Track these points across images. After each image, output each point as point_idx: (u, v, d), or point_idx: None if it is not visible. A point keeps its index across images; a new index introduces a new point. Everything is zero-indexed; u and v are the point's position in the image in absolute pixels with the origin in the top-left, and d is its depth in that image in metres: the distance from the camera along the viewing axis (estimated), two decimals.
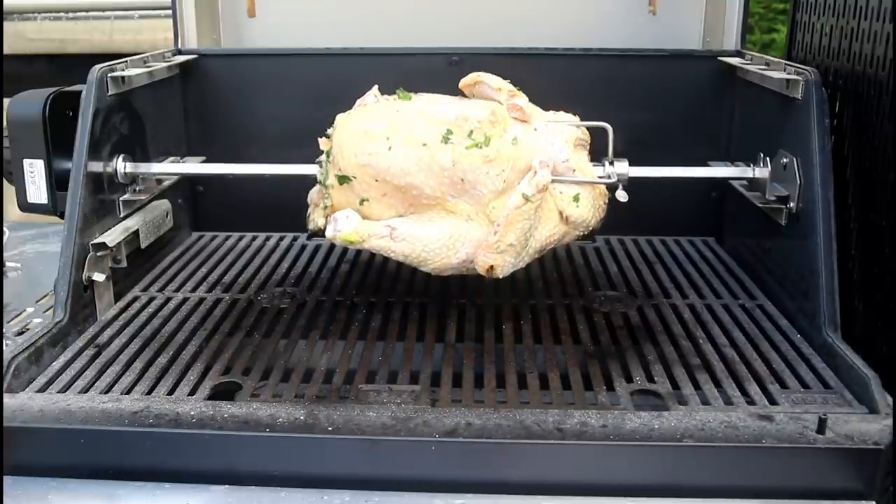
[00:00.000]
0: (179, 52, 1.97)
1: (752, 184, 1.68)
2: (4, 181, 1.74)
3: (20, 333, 1.55)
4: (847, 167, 1.59)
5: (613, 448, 1.12)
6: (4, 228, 2.15)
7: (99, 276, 1.50)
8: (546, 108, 1.52)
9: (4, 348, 1.44)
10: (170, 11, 2.00)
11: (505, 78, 1.52)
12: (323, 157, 1.49)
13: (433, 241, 1.40)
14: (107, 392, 1.27)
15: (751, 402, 1.24)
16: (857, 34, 1.59)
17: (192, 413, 1.18)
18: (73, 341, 1.42)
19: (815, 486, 1.11)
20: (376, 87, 1.55)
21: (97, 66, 1.55)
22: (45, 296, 1.73)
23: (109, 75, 1.58)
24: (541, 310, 1.59)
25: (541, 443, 1.12)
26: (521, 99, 1.47)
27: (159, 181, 1.77)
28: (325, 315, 1.57)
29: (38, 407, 1.19)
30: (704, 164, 1.75)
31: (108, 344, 1.42)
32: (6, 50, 2.84)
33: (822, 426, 1.13)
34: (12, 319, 1.63)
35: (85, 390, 1.27)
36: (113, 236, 1.54)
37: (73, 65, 2.62)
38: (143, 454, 1.14)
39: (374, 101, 1.52)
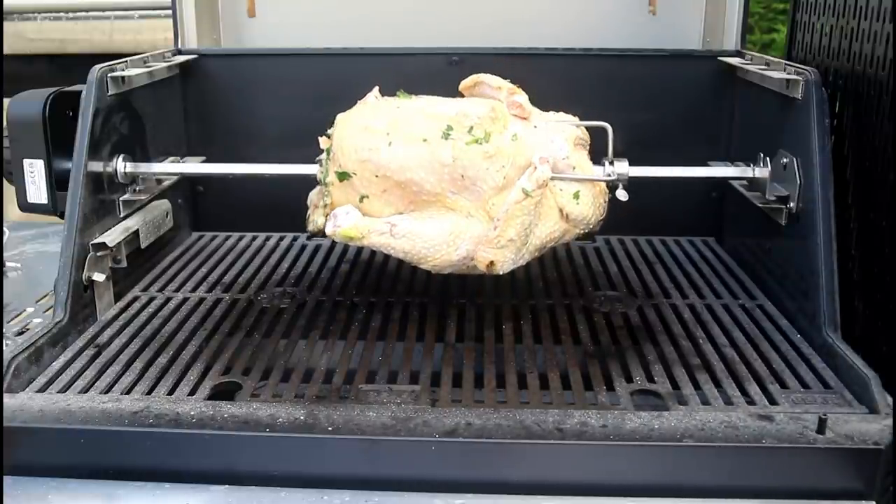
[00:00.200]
0: (179, 52, 1.97)
1: (752, 184, 1.68)
2: (4, 181, 1.74)
3: (20, 333, 1.55)
4: (847, 167, 1.59)
5: (613, 448, 1.12)
6: (4, 228, 2.15)
7: (99, 276, 1.50)
8: (546, 109, 1.52)
9: (4, 348, 1.44)
10: (170, 11, 2.00)
11: (505, 78, 1.52)
12: (323, 156, 1.49)
13: (433, 238, 1.39)
14: (107, 392, 1.27)
15: (751, 402, 1.24)
16: (857, 34, 1.59)
17: (192, 413, 1.18)
18: (73, 341, 1.42)
19: (815, 486, 1.11)
20: (377, 88, 1.55)
21: (97, 66, 1.55)
22: (45, 296, 1.73)
23: (109, 75, 1.58)
24: (541, 310, 1.59)
25: (541, 443, 1.12)
26: (521, 97, 1.47)
27: (159, 181, 1.77)
28: (325, 315, 1.57)
29: (38, 407, 1.19)
30: (704, 164, 1.74)
31: (108, 344, 1.42)
32: (6, 50, 2.85)
33: (822, 426, 1.13)
34: (12, 319, 1.63)
35: (85, 390, 1.27)
36: (113, 236, 1.54)
37: (73, 65, 2.62)
38: (143, 454, 1.14)
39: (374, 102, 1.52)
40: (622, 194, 1.48)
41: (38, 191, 1.61)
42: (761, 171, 1.62)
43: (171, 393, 1.27)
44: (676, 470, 1.12)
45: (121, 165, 1.62)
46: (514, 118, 1.44)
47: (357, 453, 1.13)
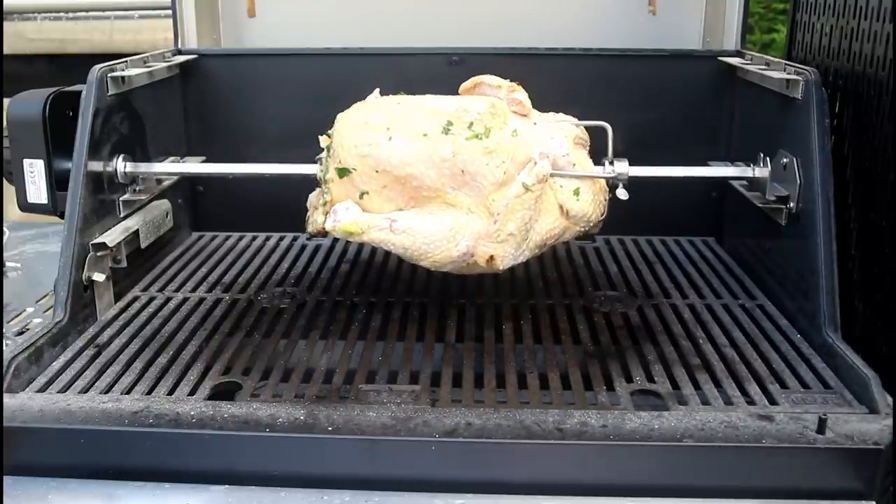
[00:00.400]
0: (179, 52, 1.97)
1: (752, 184, 1.68)
2: (4, 181, 1.74)
3: (20, 333, 1.55)
4: (847, 167, 1.59)
5: (613, 448, 1.12)
6: (4, 228, 2.15)
7: (99, 276, 1.50)
8: (546, 109, 1.52)
9: (4, 348, 1.44)
10: (170, 11, 2.00)
11: (505, 78, 1.52)
12: (323, 154, 1.49)
13: (433, 234, 1.39)
14: (107, 392, 1.27)
15: (751, 402, 1.24)
16: (857, 34, 1.59)
17: (192, 413, 1.18)
18: (73, 341, 1.42)
19: (815, 486, 1.11)
20: (377, 90, 1.55)
21: (97, 66, 1.55)
22: (45, 296, 1.73)
23: (109, 75, 1.58)
24: (541, 310, 1.59)
25: (541, 443, 1.12)
26: (521, 94, 1.47)
27: (159, 181, 1.77)
28: (325, 315, 1.57)
29: (38, 407, 1.19)
30: (704, 164, 1.75)
31: (108, 344, 1.42)
32: (6, 50, 2.84)
33: (822, 426, 1.13)
34: (12, 319, 1.63)
35: (85, 390, 1.27)
36: (113, 236, 1.54)
37: (73, 65, 2.62)
38: (143, 454, 1.14)
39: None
40: (622, 193, 1.48)
41: (38, 191, 1.61)
42: (761, 171, 1.62)
43: (171, 393, 1.27)
44: (676, 470, 1.12)
45: (121, 165, 1.62)
46: (513, 115, 1.45)
47: (357, 453, 1.13)
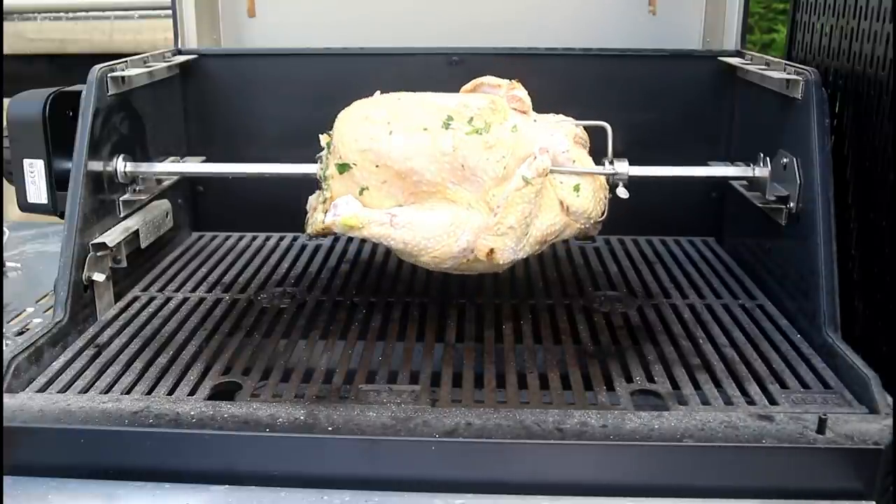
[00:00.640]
0: (179, 52, 1.97)
1: (752, 184, 1.68)
2: (4, 181, 1.74)
3: (20, 333, 1.55)
4: (847, 167, 1.59)
5: (613, 448, 1.12)
6: (4, 228, 2.15)
7: (99, 276, 1.50)
8: (545, 109, 1.52)
9: (4, 348, 1.44)
10: (170, 11, 2.00)
11: (504, 78, 1.52)
12: (323, 153, 1.49)
13: (434, 229, 1.39)
14: (107, 392, 1.27)
15: (751, 402, 1.24)
16: (857, 34, 1.59)
17: (192, 413, 1.18)
18: (73, 341, 1.42)
19: (815, 486, 1.11)
20: (378, 92, 1.55)
21: (97, 66, 1.55)
22: (45, 296, 1.73)
23: (109, 75, 1.58)
24: (541, 310, 1.59)
25: (541, 443, 1.12)
26: (521, 91, 1.48)
27: (159, 181, 1.77)
28: (325, 315, 1.57)
29: (38, 407, 1.19)
30: (704, 164, 1.75)
31: (108, 344, 1.42)
32: (6, 50, 2.84)
33: (822, 426, 1.13)
34: (12, 319, 1.63)
35: (85, 390, 1.27)
36: (113, 236, 1.54)
37: (73, 65, 2.62)
38: (143, 454, 1.14)
39: None
40: (622, 192, 1.48)
41: (38, 191, 1.61)
42: (761, 171, 1.62)
43: (171, 393, 1.27)
44: (676, 470, 1.12)
45: (121, 165, 1.62)
46: (513, 111, 1.45)
47: (357, 453, 1.13)
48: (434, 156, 1.37)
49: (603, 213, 1.49)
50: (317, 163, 1.51)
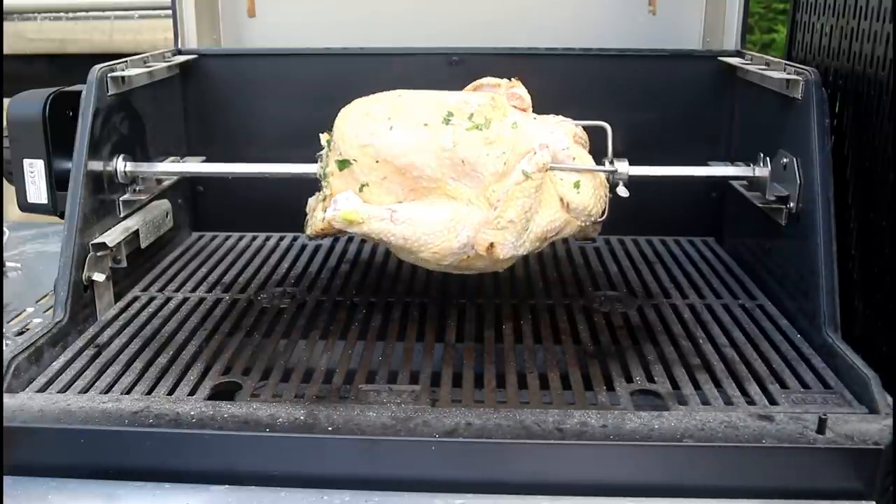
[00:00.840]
0: (179, 52, 1.97)
1: (752, 184, 1.68)
2: (4, 181, 1.74)
3: (20, 333, 1.55)
4: (847, 167, 1.59)
5: (613, 448, 1.12)
6: (4, 228, 2.15)
7: (99, 276, 1.50)
8: (545, 109, 1.52)
9: (4, 348, 1.44)
10: (170, 11, 2.00)
11: (505, 78, 1.52)
12: (323, 151, 1.49)
13: (434, 224, 1.38)
14: (107, 392, 1.27)
15: (751, 402, 1.24)
16: (857, 34, 1.59)
17: (192, 413, 1.18)
18: (73, 341, 1.42)
19: (815, 486, 1.11)
20: None
21: (97, 66, 1.55)
22: (45, 296, 1.73)
23: (109, 75, 1.58)
24: (541, 310, 1.59)
25: (541, 443, 1.12)
26: (521, 89, 1.48)
27: (159, 181, 1.77)
28: (325, 315, 1.57)
29: (38, 407, 1.19)
30: (704, 164, 1.75)
31: (108, 344, 1.42)
32: (6, 50, 2.85)
33: (822, 426, 1.13)
34: (12, 319, 1.63)
35: (85, 390, 1.27)
36: (113, 236, 1.54)
37: (73, 65, 2.62)
38: (143, 454, 1.14)
39: None
40: (623, 190, 1.48)
41: (38, 191, 1.61)
42: (761, 171, 1.62)
43: (171, 393, 1.27)
44: (676, 470, 1.12)
45: (121, 165, 1.62)
46: (513, 109, 1.45)
47: (357, 453, 1.13)
48: (434, 151, 1.37)
49: (603, 213, 1.48)
50: (317, 162, 1.51)
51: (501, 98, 1.46)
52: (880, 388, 1.20)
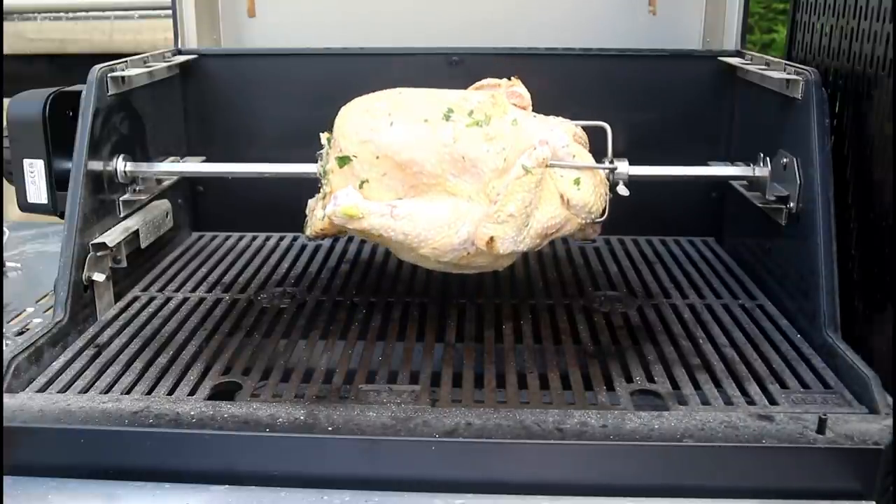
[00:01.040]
0: (179, 52, 1.97)
1: (752, 184, 1.68)
2: (4, 181, 1.74)
3: (20, 333, 1.55)
4: (847, 167, 1.59)
5: (613, 448, 1.12)
6: (4, 228, 2.15)
7: (99, 276, 1.50)
8: (546, 109, 1.52)
9: (4, 348, 1.44)
10: (170, 11, 2.00)
11: (505, 78, 1.52)
12: (323, 150, 1.49)
13: (434, 220, 1.38)
14: (107, 392, 1.27)
15: (751, 402, 1.24)
16: (857, 34, 1.58)
17: (192, 413, 1.18)
18: (73, 341, 1.42)
19: (815, 486, 1.11)
20: None
21: (97, 66, 1.55)
22: (45, 296, 1.73)
23: (109, 75, 1.58)
24: (541, 310, 1.59)
25: (541, 443, 1.12)
26: (520, 87, 1.48)
27: (159, 181, 1.77)
28: (325, 315, 1.57)
29: (38, 407, 1.19)
30: (704, 164, 1.75)
31: (108, 344, 1.42)
32: (6, 50, 2.85)
33: (822, 426, 1.13)
34: (12, 319, 1.63)
35: (85, 390, 1.27)
36: (113, 236, 1.54)
37: (73, 65, 2.62)
38: (143, 454, 1.14)
39: None
40: (623, 189, 1.48)
41: (38, 191, 1.61)
42: (761, 171, 1.62)
43: (171, 393, 1.27)
44: (676, 470, 1.12)
45: (121, 165, 1.62)
46: (513, 107, 1.45)
47: (357, 453, 1.13)
48: (434, 147, 1.37)
49: (604, 213, 1.48)
50: (317, 161, 1.51)
51: (501, 96, 1.46)
52: (880, 388, 1.20)
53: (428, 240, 1.38)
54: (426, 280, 1.72)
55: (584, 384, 1.31)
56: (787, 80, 1.53)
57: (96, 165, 1.54)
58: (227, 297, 1.64)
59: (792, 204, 1.50)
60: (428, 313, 1.57)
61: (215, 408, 1.19)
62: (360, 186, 1.41)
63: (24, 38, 3.16)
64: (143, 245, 1.67)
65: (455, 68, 1.90)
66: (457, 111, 1.39)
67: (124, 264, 1.58)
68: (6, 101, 1.61)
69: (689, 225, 2.00)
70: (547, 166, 1.39)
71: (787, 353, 1.39)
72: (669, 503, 1.11)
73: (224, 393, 1.29)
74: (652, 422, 1.16)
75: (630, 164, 1.49)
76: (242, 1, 2.13)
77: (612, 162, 1.48)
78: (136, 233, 1.64)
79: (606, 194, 1.49)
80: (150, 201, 1.74)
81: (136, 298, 1.63)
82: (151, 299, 1.63)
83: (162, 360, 1.37)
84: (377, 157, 1.39)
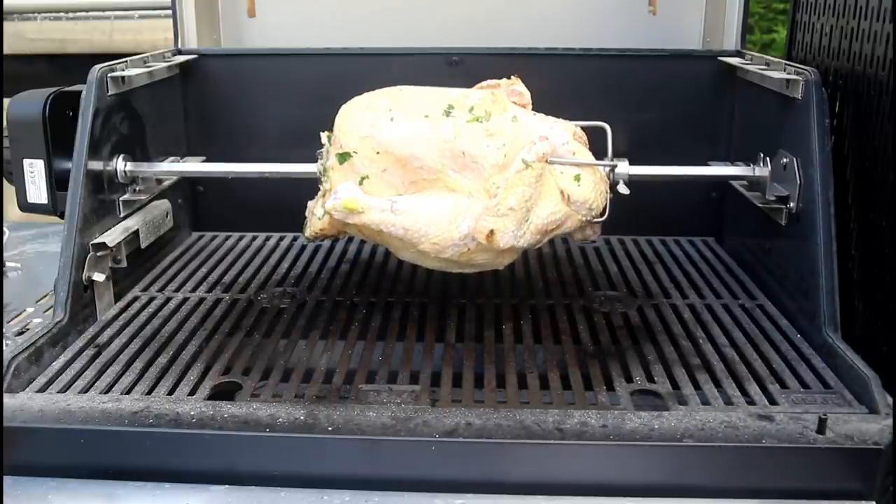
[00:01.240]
0: (179, 52, 1.97)
1: (752, 184, 1.68)
2: (4, 181, 1.74)
3: (20, 333, 1.55)
4: (847, 167, 1.59)
5: (613, 448, 1.12)
6: (4, 228, 2.15)
7: (99, 276, 1.50)
8: (545, 109, 1.52)
9: (4, 348, 1.44)
10: (170, 11, 2.00)
11: (504, 78, 1.52)
12: (324, 149, 1.49)
13: (434, 215, 1.37)
14: (107, 392, 1.27)
15: (751, 402, 1.24)
16: (857, 34, 1.59)
17: (192, 413, 1.18)
18: (73, 341, 1.42)
19: (815, 486, 1.11)
20: None
21: (97, 66, 1.55)
22: (45, 296, 1.73)
23: (109, 75, 1.58)
24: (541, 310, 1.59)
25: (541, 443, 1.12)
26: (520, 86, 1.48)
27: (159, 181, 1.77)
28: (325, 315, 1.57)
29: (38, 407, 1.19)
30: (704, 164, 1.75)
31: (108, 344, 1.42)
32: (6, 50, 2.84)
33: (822, 426, 1.13)
34: (12, 319, 1.63)
35: (85, 390, 1.27)
36: (113, 236, 1.54)
37: (73, 65, 2.62)
38: (143, 454, 1.14)
39: None
40: (623, 188, 1.48)
41: (38, 191, 1.61)
42: (761, 171, 1.62)
43: (171, 393, 1.27)
44: (676, 470, 1.12)
45: (121, 165, 1.62)
46: (513, 105, 1.45)
47: (357, 453, 1.13)
48: (435, 142, 1.37)
49: (604, 212, 1.48)
50: (317, 160, 1.51)
51: (502, 94, 1.46)
52: (880, 388, 1.20)
53: (428, 235, 1.38)
54: (426, 280, 1.72)
55: (584, 384, 1.31)
56: (787, 80, 1.53)
57: (96, 165, 1.54)
58: (227, 297, 1.64)
59: (792, 204, 1.50)
60: (428, 313, 1.57)
61: (215, 408, 1.19)
62: (361, 183, 1.41)
63: (24, 38, 3.16)
64: (143, 245, 1.67)
65: (455, 68, 1.90)
66: (457, 107, 1.40)
67: (124, 264, 1.58)
68: (6, 101, 1.61)
69: (689, 225, 2.00)
70: (547, 162, 1.39)
71: (787, 353, 1.39)
72: (669, 503, 1.11)
73: (224, 393, 1.29)
74: (652, 422, 1.16)
75: (630, 164, 1.49)
76: (242, 1, 2.13)
77: (612, 161, 1.48)
78: (136, 233, 1.64)
79: (607, 192, 1.49)
80: (150, 201, 1.74)
81: (136, 298, 1.63)
82: (151, 299, 1.63)
83: (162, 360, 1.37)
84: (377, 153, 1.39)
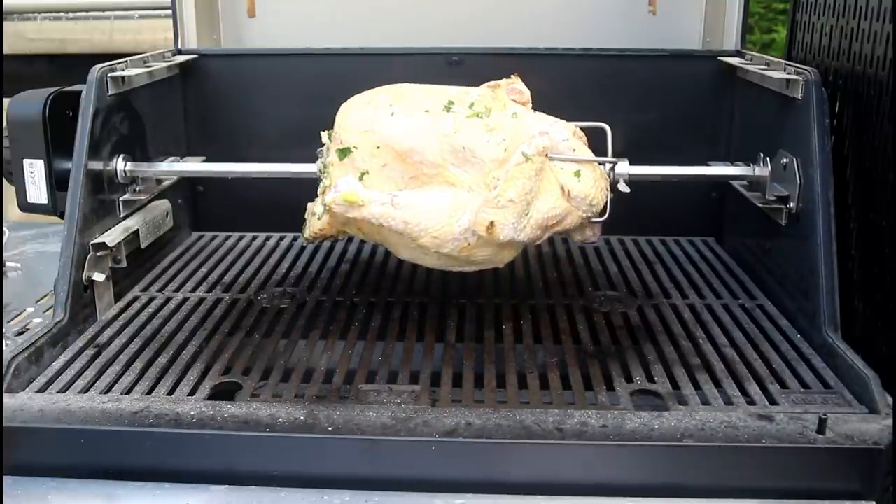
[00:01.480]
0: (179, 52, 1.97)
1: (752, 184, 1.68)
2: (4, 181, 1.74)
3: (20, 333, 1.55)
4: (847, 167, 1.59)
5: (613, 448, 1.12)
6: (4, 228, 2.15)
7: (99, 276, 1.50)
8: (545, 109, 1.52)
9: (4, 348, 1.44)
10: (170, 11, 2.01)
11: (504, 78, 1.52)
12: (324, 147, 1.49)
13: (434, 209, 1.37)
14: (107, 392, 1.27)
15: (751, 402, 1.24)
16: (857, 34, 1.59)
17: (192, 413, 1.18)
18: (73, 341, 1.42)
19: (815, 486, 1.11)
20: None
21: (97, 66, 1.55)
22: (45, 296, 1.73)
23: (109, 75, 1.58)
24: (541, 310, 1.59)
25: (541, 443, 1.12)
26: (520, 84, 1.48)
27: (159, 181, 1.77)
28: (325, 315, 1.57)
29: (38, 407, 1.19)
30: (704, 164, 1.74)
31: (108, 344, 1.42)
32: (6, 50, 2.85)
33: (822, 426, 1.13)
34: (12, 319, 1.63)
35: (85, 390, 1.27)
36: (113, 236, 1.54)
37: (73, 65, 2.62)
38: (143, 454, 1.14)
39: None
40: (624, 186, 1.48)
41: (38, 191, 1.61)
42: (761, 171, 1.62)
43: (171, 393, 1.27)
44: (676, 470, 1.12)
45: (121, 165, 1.62)
46: (513, 102, 1.45)
47: (357, 453, 1.13)
48: (435, 136, 1.37)
49: (605, 211, 1.48)
50: (317, 159, 1.51)
51: (502, 91, 1.47)
52: (880, 388, 1.20)
53: (428, 228, 1.38)
54: (426, 280, 1.72)
55: (584, 384, 1.31)
56: (787, 80, 1.53)
57: (96, 165, 1.54)
58: (227, 297, 1.64)
59: (792, 204, 1.50)
60: (428, 313, 1.57)
61: (215, 408, 1.19)
62: (361, 178, 1.41)
63: (24, 38, 3.16)
64: (143, 245, 1.67)
65: (455, 68, 1.90)
66: (458, 103, 1.40)
67: (124, 264, 1.58)
68: (6, 101, 1.61)
69: (689, 225, 2.00)
70: (546, 157, 1.39)
71: (787, 353, 1.39)
72: (669, 503, 1.11)
73: (224, 393, 1.29)
74: (652, 422, 1.16)
75: (630, 164, 1.49)
76: (242, 1, 2.13)
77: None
78: (136, 233, 1.64)
79: (607, 189, 1.49)
80: (150, 201, 1.74)
81: (136, 298, 1.63)
82: (151, 299, 1.63)
83: (162, 360, 1.37)
84: (378, 147, 1.39)
